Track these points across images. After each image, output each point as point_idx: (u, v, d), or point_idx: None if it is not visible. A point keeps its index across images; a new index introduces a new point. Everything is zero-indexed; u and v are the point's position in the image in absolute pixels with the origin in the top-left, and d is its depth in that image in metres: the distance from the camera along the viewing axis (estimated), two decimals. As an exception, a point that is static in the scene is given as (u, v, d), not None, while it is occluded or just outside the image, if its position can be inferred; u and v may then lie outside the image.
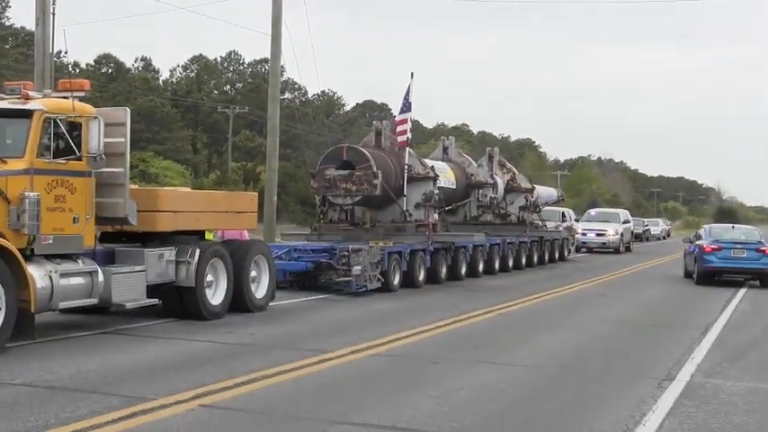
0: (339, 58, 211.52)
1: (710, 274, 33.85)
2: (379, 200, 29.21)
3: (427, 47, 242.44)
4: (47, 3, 26.44)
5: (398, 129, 30.47)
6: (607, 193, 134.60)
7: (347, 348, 15.84)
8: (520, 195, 40.57)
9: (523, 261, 39.34)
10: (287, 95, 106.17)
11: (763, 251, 33.61)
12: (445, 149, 37.05)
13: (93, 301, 16.59)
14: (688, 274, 36.33)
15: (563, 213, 56.13)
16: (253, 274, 20.77)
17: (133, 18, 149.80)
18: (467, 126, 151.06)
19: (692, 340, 18.41)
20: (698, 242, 35.14)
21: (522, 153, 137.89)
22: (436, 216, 30.85)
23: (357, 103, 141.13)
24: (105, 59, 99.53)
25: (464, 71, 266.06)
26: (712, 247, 33.79)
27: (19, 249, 14.94)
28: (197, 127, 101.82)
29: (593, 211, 65.02)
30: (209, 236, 21.21)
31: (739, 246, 33.96)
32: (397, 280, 27.20)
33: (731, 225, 41.17)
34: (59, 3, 26.80)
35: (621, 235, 58.54)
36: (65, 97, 16.52)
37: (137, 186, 21.67)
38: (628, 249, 60.23)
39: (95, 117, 16.32)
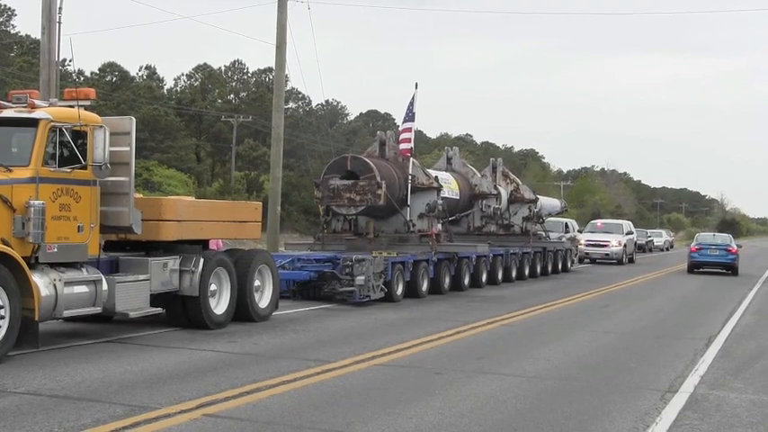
0: (343, 67, 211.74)
1: (695, 266, 49.99)
2: (383, 210, 29.22)
3: (432, 57, 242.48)
4: (53, 11, 26.52)
5: (402, 138, 30.49)
6: (610, 204, 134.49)
7: (351, 358, 15.85)
8: (523, 206, 40.59)
9: (526, 272, 39.37)
10: (291, 105, 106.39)
11: (730, 250, 49.90)
12: (449, 160, 37.09)
13: (97, 309, 16.61)
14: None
15: (566, 224, 56.26)
16: (256, 283, 20.79)
17: (138, 27, 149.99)
18: (470, 136, 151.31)
19: (696, 352, 18.40)
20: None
21: (525, 164, 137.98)
22: (440, 226, 30.86)
23: (361, 113, 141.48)
24: (110, 68, 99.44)
25: (468, 81, 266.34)
26: (696, 247, 50.93)
27: (23, 257, 14.96)
28: (201, 136, 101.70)
29: (596, 222, 64.99)
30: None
31: (714, 247, 50.50)
32: (400, 290, 27.21)
33: (713, 234, 59.39)
34: (65, 11, 26.87)
35: (625, 246, 58.50)
36: (70, 106, 16.55)
37: (141, 195, 21.68)
38: (631, 260, 60.18)
39: (101, 126, 16.35)
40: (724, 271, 49.70)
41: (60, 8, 26.93)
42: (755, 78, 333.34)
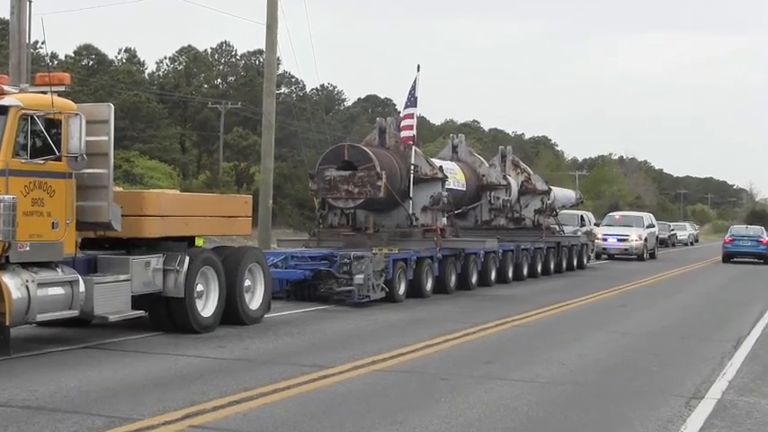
0: (340, 49, 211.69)
1: (729, 256, 58.40)
2: (383, 203, 29.19)
3: (435, 38, 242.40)
4: (23, -10, 26.46)
5: (403, 125, 30.45)
6: (629, 195, 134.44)
7: (349, 363, 15.85)
8: (535, 198, 40.58)
9: (539, 269, 39.36)
10: (283, 90, 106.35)
11: (761, 241, 58.90)
12: (454, 148, 37.06)
13: (74, 313, 16.56)
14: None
15: (582, 217, 56.19)
16: (247, 283, 20.77)
17: (116, 6, 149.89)
18: (477, 123, 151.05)
19: (723, 354, 18.37)
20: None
21: (537, 152, 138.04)
22: (445, 220, 30.83)
23: (359, 98, 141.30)
24: (86, 51, 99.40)
25: (475, 64, 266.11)
26: (729, 238, 59.84)
27: (-7, 257, 14.94)
28: (186, 124, 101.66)
29: (614, 215, 65.06)
30: (199, 242, 21.23)
31: (746, 238, 59.38)
32: (402, 289, 27.19)
33: (745, 226, 69.99)
34: (37, -10, 26.83)
35: (645, 240, 58.54)
36: (43, 92, 16.52)
37: (121, 189, 21.65)
38: (652, 256, 60.20)
39: (76, 114, 16.31)
40: (756, 260, 58.04)
41: (32, -14, 26.93)
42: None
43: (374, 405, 12.80)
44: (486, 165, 37.45)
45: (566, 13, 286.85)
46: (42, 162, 16.01)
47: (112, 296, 17.31)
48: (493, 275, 33.93)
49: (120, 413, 11.77)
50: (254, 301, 21.10)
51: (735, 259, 58.35)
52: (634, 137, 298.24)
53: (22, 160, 15.75)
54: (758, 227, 65.21)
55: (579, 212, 56.23)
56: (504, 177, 37.79)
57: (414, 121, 30.28)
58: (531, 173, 41.71)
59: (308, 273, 25.75)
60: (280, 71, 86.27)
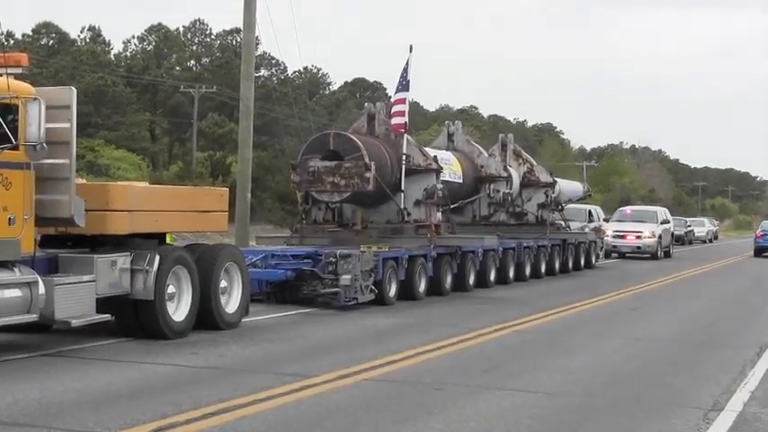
0: (325, 28, 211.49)
1: (760, 251, 65.13)
2: (372, 196, 29.15)
3: (429, 16, 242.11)
4: (-23, -37, 26.37)
5: (394, 111, 30.40)
6: (642, 188, 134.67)
7: (334, 372, 15.83)
8: (538, 191, 40.60)
9: (543, 268, 39.33)
10: (263, 72, 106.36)
11: None
12: (450, 136, 37.03)
13: (33, 317, 16.53)
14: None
15: (590, 212, 56.27)
16: (223, 284, 20.73)
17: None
18: (475, 109, 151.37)
19: (744, 363, 18.37)
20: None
21: (541, 140, 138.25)
22: (440, 215, 30.81)
23: (346, 82, 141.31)
24: (45, 29, 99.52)
25: (472, 45, 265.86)
26: (761, 233, 67.56)
27: (-56, 256, 14.92)
28: (156, 110, 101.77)
29: (625, 210, 65.13)
30: (169, 239, 21.19)
31: None
32: (393, 291, 27.16)
33: None
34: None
35: (659, 237, 58.56)
36: (-2, 74, 16.48)
37: (84, 181, 21.62)
38: (667, 255, 60.26)
39: (35, 98, 16.26)
40: None
41: (-14, -41, 26.89)
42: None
43: (361, 418, 12.80)
44: (485, 155, 37.44)
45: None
46: (-2, 151, 15.98)
47: (75, 299, 17.26)
48: (492, 276, 33.92)
49: (83, 426, 11.76)
50: (231, 303, 21.06)
51: (766, 254, 64.39)
52: (647, 124, 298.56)
53: (-24, 150, 15.73)
54: None
55: (587, 207, 56.34)
56: (505, 168, 37.78)
57: (406, 107, 30.23)
58: (535, 163, 41.73)
59: (289, 273, 25.71)
60: (259, 52, 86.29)
